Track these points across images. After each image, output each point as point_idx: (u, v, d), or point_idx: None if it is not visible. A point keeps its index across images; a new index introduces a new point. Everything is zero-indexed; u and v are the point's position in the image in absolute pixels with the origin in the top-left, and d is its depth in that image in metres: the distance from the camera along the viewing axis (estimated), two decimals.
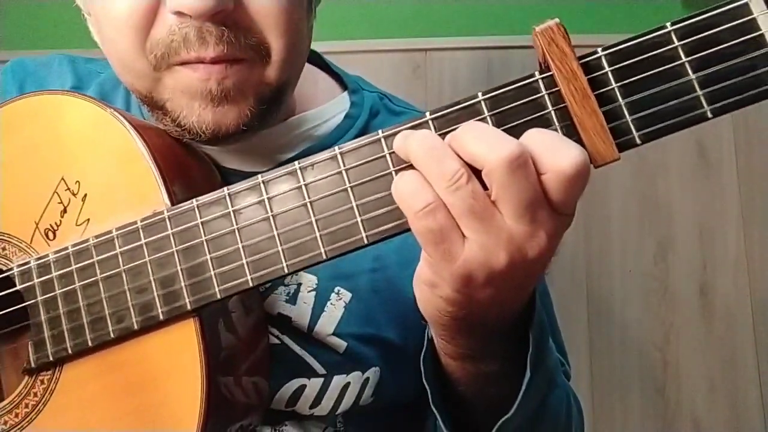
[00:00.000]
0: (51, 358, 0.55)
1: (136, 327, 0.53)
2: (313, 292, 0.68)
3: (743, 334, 1.39)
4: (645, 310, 1.41)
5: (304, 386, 0.67)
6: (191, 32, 0.55)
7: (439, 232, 0.43)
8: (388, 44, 1.47)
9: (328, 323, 0.68)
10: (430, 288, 0.48)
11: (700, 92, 0.40)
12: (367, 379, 0.70)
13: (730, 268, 1.41)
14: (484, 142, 0.43)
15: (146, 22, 0.56)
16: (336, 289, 0.69)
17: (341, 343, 0.68)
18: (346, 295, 0.69)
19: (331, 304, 0.69)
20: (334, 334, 0.68)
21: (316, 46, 0.70)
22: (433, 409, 0.58)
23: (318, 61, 0.81)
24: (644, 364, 1.40)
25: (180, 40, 0.56)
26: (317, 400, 0.68)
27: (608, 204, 1.43)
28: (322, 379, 0.68)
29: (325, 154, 0.48)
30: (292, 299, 0.68)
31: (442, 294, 0.47)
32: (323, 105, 0.75)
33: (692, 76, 0.40)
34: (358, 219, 0.47)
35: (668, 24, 0.40)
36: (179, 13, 0.55)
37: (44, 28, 1.49)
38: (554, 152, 0.42)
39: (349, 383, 0.69)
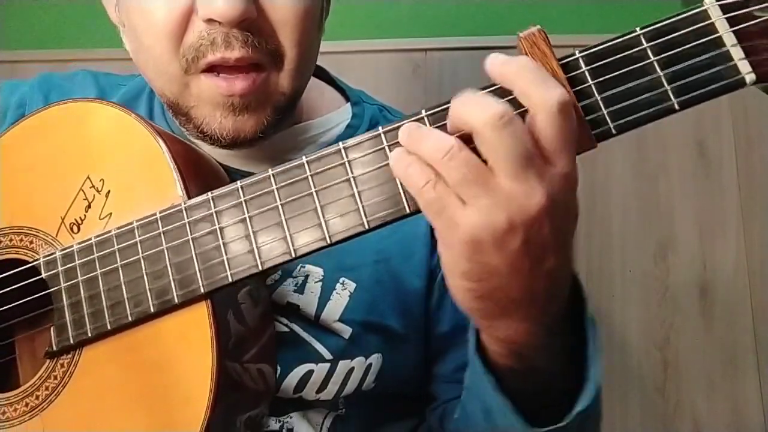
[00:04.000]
0: (72, 341, 0.58)
1: (152, 310, 0.56)
2: (320, 283, 0.72)
3: (743, 334, 1.38)
4: (645, 310, 1.40)
5: (311, 371, 0.71)
6: (219, 37, 0.61)
7: (440, 201, 0.46)
8: (388, 44, 1.47)
9: (334, 310, 0.72)
10: (449, 267, 0.49)
11: (667, 87, 0.44)
12: (370, 365, 0.73)
13: (730, 268, 1.40)
14: (468, 105, 0.46)
15: (180, 29, 0.62)
16: (341, 280, 0.73)
17: (347, 329, 0.72)
18: (351, 285, 0.73)
19: (337, 293, 0.72)
20: (339, 320, 0.72)
21: None
22: (494, 396, 0.56)
23: (324, 75, 0.86)
24: (644, 364, 1.39)
25: (208, 43, 0.61)
26: (323, 385, 0.71)
27: (608, 204, 1.43)
28: (328, 364, 0.71)
29: (331, 149, 0.52)
30: (300, 289, 0.71)
31: (458, 268, 0.48)
32: (328, 114, 0.80)
33: (660, 72, 0.44)
34: (360, 206, 0.50)
35: (638, 28, 0.45)
36: (210, 21, 0.60)
37: (44, 28, 1.51)
38: (542, 87, 0.45)
39: (353, 368, 0.72)
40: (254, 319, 0.64)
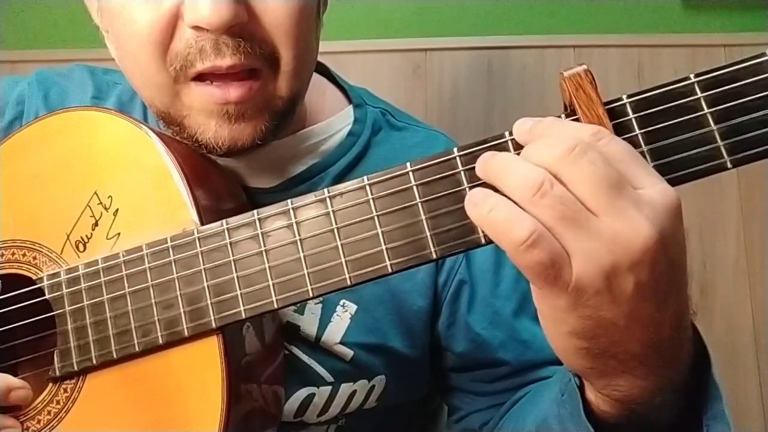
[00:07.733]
0: (76, 368, 0.57)
1: (161, 341, 0.54)
2: (320, 305, 0.70)
3: (743, 334, 1.39)
4: None
5: (313, 395, 0.70)
6: (207, 44, 0.57)
7: (549, 259, 0.39)
8: (388, 44, 1.46)
9: (335, 332, 0.70)
10: (556, 327, 0.44)
11: (720, 143, 0.41)
12: (373, 386, 0.72)
13: (730, 268, 1.41)
14: (542, 139, 0.41)
15: (166, 36, 0.58)
16: (341, 302, 0.71)
17: (348, 352, 0.70)
18: (352, 307, 0.71)
19: (338, 315, 0.71)
20: (341, 342, 0.70)
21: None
22: None
23: (325, 72, 0.82)
24: None
25: (196, 52, 0.58)
26: (325, 408, 0.70)
27: None
28: (330, 387, 0.70)
29: (354, 184, 0.49)
30: (300, 309, 0.70)
31: (569, 328, 0.43)
32: (330, 118, 0.77)
33: (714, 126, 0.41)
34: (383, 248, 0.48)
35: (692, 75, 0.42)
36: (197, 27, 0.57)
37: (44, 28, 1.49)
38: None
39: (355, 391, 0.71)
40: (265, 346, 0.63)
